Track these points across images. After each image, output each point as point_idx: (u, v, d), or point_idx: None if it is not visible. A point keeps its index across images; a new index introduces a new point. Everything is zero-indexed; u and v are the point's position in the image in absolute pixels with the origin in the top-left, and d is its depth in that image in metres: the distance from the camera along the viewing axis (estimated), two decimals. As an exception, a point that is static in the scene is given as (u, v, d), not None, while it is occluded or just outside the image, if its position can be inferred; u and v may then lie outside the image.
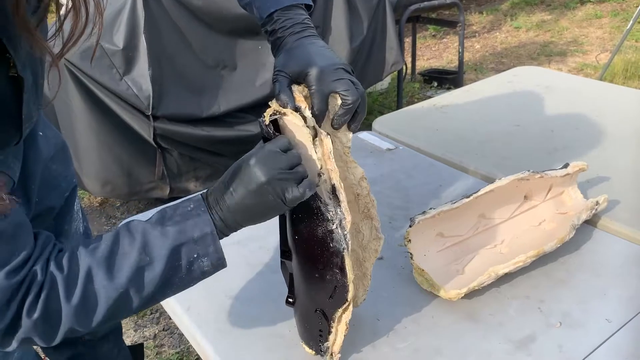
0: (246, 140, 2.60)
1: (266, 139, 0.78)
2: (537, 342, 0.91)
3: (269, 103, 0.79)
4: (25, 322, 0.67)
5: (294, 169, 0.74)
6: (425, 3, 3.43)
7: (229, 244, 1.19)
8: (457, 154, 1.49)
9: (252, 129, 2.64)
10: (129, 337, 2.12)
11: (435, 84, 4.33)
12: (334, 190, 0.77)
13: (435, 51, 5.41)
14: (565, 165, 1.16)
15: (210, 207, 0.75)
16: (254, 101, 2.61)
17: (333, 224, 0.77)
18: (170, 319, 2.17)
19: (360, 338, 0.94)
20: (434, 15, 4.46)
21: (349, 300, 0.81)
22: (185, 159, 2.61)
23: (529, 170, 1.10)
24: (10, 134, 0.84)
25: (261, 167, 0.72)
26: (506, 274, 1.03)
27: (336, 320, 0.84)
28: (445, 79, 4.28)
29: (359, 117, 0.83)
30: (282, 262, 0.90)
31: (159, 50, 2.41)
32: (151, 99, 2.38)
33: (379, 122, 1.72)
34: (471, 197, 1.05)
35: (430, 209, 1.04)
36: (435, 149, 1.53)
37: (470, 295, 1.01)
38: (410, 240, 1.03)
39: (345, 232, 0.77)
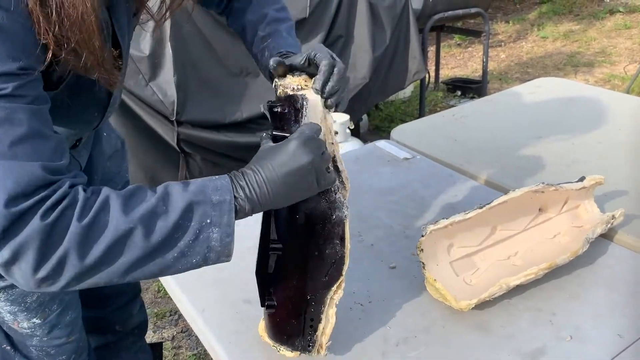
0: (267, 147, 2.63)
1: (276, 113, 0.82)
2: (547, 355, 0.91)
3: (286, 79, 0.82)
4: (35, 223, 0.66)
5: (325, 153, 0.79)
6: (449, 13, 3.42)
7: (245, 250, 1.22)
8: (475, 165, 1.49)
9: (273, 135, 2.67)
10: (148, 337, 2.15)
11: (459, 93, 4.32)
12: (334, 161, 0.83)
13: (460, 60, 5.40)
14: (582, 179, 1.16)
15: (235, 182, 0.77)
16: (276, 108, 2.64)
17: (335, 194, 0.83)
18: (188, 321, 2.20)
19: (370, 346, 0.95)
20: (460, 24, 4.45)
21: (343, 274, 0.86)
22: (207, 164, 2.65)
23: (543, 183, 1.10)
24: (95, 117, 0.96)
25: (305, 149, 0.76)
26: (519, 286, 1.03)
27: (327, 303, 0.88)
28: (469, 88, 4.26)
29: (339, 93, 0.86)
30: (263, 262, 0.89)
31: (184, 57, 2.46)
32: (175, 104, 2.42)
33: (397, 131, 1.73)
34: (484, 208, 1.05)
35: (443, 219, 1.05)
36: (453, 159, 1.53)
37: (482, 306, 1.01)
38: (422, 249, 1.03)
39: (345, 200, 0.83)
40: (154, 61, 2.40)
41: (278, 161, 0.76)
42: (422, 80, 3.52)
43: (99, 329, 1.46)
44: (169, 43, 2.40)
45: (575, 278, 1.07)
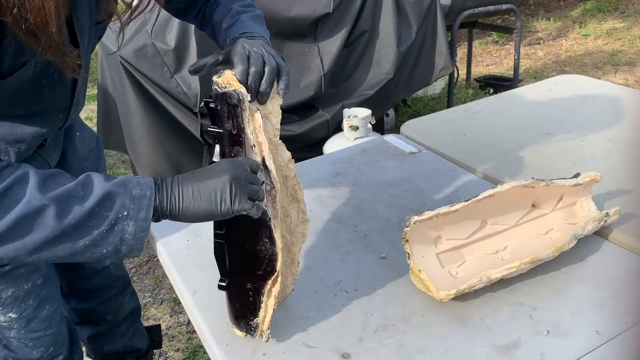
0: (289, 139, 2.66)
1: (211, 109, 0.85)
2: (521, 348, 0.91)
3: (223, 78, 0.85)
4: None
5: (254, 185, 0.80)
6: (480, 9, 3.38)
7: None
8: (479, 160, 1.49)
9: (295, 129, 2.71)
10: (165, 321, 2.23)
11: (491, 90, 4.25)
12: (264, 161, 0.84)
13: (496, 57, 5.31)
14: (576, 175, 1.15)
15: (158, 182, 0.77)
16: (298, 102, 2.68)
17: None
18: (204, 307, 2.26)
19: (349, 331, 0.98)
20: (500, 22, 4.37)
21: (277, 270, 0.87)
22: (230, 156, 2.71)
23: (533, 178, 1.10)
24: (59, 118, 0.98)
25: (228, 168, 0.78)
26: (505, 280, 1.04)
27: (265, 294, 0.89)
28: (502, 85, 4.19)
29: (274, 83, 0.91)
30: (215, 246, 0.92)
31: (208, 51, 2.51)
32: (199, 97, 2.49)
33: (407, 126, 1.73)
34: (470, 201, 1.06)
35: (428, 210, 1.06)
36: (458, 154, 1.53)
37: (464, 298, 1.02)
38: (407, 240, 1.05)
39: (276, 202, 0.85)
40: (179, 54, 2.47)
41: (198, 175, 0.78)
42: (451, 77, 3.49)
43: (90, 320, 1.48)
44: (193, 36, 2.46)
45: (563, 274, 1.07)
